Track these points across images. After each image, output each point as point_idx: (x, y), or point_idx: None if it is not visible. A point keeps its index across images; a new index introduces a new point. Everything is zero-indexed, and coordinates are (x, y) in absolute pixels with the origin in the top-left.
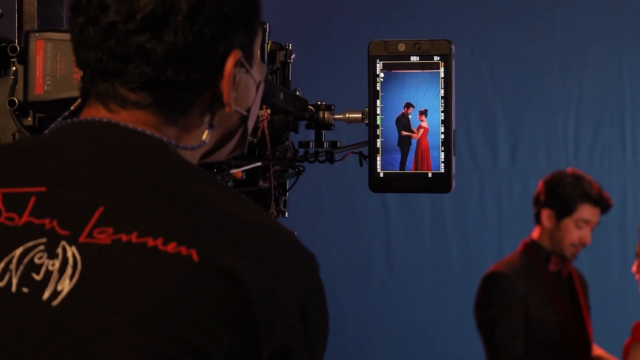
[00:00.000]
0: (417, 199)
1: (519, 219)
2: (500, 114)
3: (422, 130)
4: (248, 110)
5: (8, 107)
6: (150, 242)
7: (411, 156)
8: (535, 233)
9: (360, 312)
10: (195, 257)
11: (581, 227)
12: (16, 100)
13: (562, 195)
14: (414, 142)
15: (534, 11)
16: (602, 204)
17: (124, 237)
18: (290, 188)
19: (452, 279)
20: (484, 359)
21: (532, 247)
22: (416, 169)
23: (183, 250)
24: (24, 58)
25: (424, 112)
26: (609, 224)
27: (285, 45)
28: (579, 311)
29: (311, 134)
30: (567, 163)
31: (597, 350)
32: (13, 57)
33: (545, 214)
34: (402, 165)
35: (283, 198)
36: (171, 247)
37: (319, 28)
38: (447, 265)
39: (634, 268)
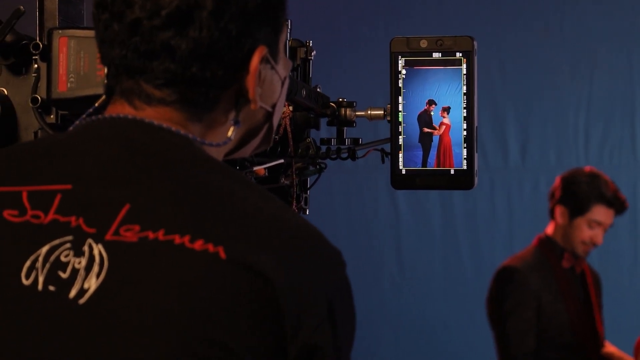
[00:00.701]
0: (427, 198)
1: (529, 218)
2: (511, 113)
3: (444, 127)
4: (273, 107)
5: (31, 104)
6: (177, 239)
7: (433, 153)
8: (550, 228)
9: (370, 312)
10: (222, 255)
11: (593, 227)
12: (39, 98)
13: (577, 193)
14: (435, 138)
15: (544, 10)
16: (617, 205)
17: (151, 235)
18: (312, 186)
19: (462, 279)
20: (494, 357)
21: (546, 243)
22: (438, 166)
23: (210, 247)
24: (47, 55)
25: (446, 109)
26: (620, 222)
27: (306, 42)
28: (590, 308)
29: (332, 131)
30: (578, 162)
31: (609, 347)
32: (35, 55)
33: (559, 210)
34: (424, 162)
35: (304, 195)
36: (198, 245)
37: (339, 24)
38: (458, 264)
39: None
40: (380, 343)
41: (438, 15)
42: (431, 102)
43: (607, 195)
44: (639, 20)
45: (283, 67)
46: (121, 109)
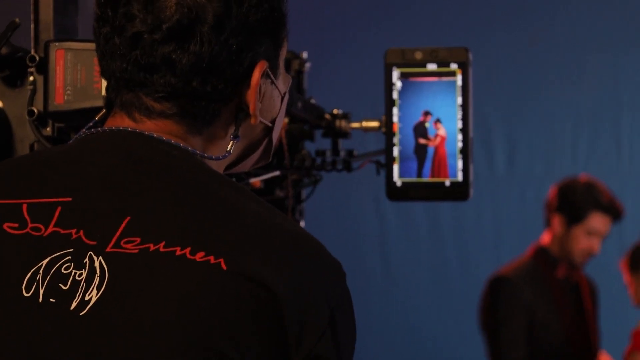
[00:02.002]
0: (413, 208)
1: (516, 227)
2: (497, 121)
3: (439, 138)
4: (273, 122)
5: (27, 117)
6: (178, 251)
7: (428, 164)
8: (546, 238)
9: (357, 320)
10: (224, 266)
11: (591, 235)
12: (35, 110)
13: (574, 202)
14: (430, 150)
15: (532, 17)
16: (614, 212)
17: (152, 247)
18: (307, 198)
19: (449, 288)
20: None
21: (540, 253)
22: (433, 177)
23: (212, 259)
24: (43, 68)
25: (438, 120)
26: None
27: (300, 54)
28: (584, 319)
29: (326, 143)
30: (564, 170)
31: (603, 357)
32: (31, 67)
33: (556, 219)
34: (419, 173)
35: (298, 207)
36: (199, 257)
37: (333, 36)
38: (445, 273)
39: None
40: (368, 351)
41: (430, 27)
42: (427, 114)
43: (604, 203)
44: (626, 28)
45: (283, 82)
46: (121, 122)
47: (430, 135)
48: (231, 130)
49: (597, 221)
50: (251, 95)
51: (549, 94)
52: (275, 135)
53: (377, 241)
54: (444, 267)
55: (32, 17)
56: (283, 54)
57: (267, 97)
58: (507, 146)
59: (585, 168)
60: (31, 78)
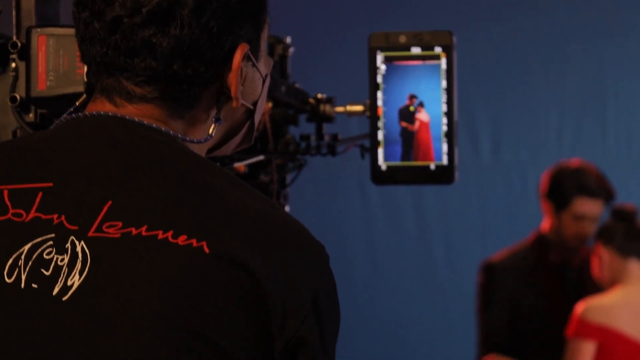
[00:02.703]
0: (398, 195)
1: (502, 215)
2: (483, 109)
3: (418, 122)
4: (254, 104)
5: (10, 103)
6: (160, 235)
7: (412, 148)
8: (543, 224)
9: (342, 309)
10: (206, 249)
11: (579, 220)
12: (18, 97)
13: (558, 188)
14: (414, 133)
15: (516, 6)
16: (603, 194)
17: (134, 231)
18: (291, 182)
19: (435, 275)
20: (466, 355)
21: (538, 239)
22: (415, 161)
23: (194, 242)
24: (25, 54)
25: (421, 104)
26: None
27: (284, 39)
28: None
29: (311, 127)
30: (550, 158)
31: None
32: (13, 54)
33: (546, 206)
34: (404, 157)
35: (283, 192)
36: (181, 240)
37: (317, 20)
38: (430, 261)
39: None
40: (353, 340)
41: (413, 11)
42: (413, 97)
43: (589, 187)
44: (609, 17)
45: (264, 65)
46: (102, 107)
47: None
48: (213, 113)
49: (582, 206)
50: (232, 78)
51: (535, 81)
52: (257, 118)
53: (361, 227)
54: (429, 255)
55: (13, 3)
56: (264, 36)
57: (249, 80)
58: (492, 133)
59: (571, 155)
60: (13, 64)
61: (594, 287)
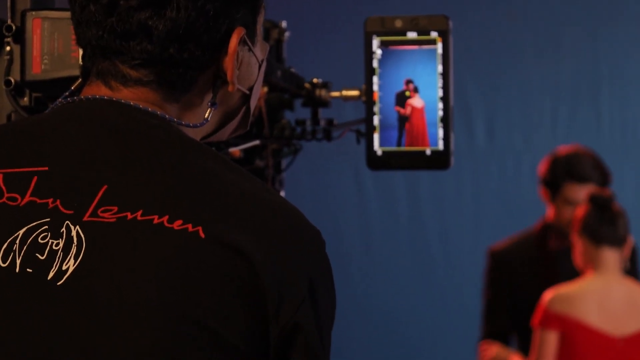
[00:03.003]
0: (393, 181)
1: (496, 200)
2: (477, 95)
3: (409, 107)
4: (250, 89)
5: (4, 87)
6: (156, 219)
7: (404, 133)
8: (547, 211)
9: (337, 296)
10: (201, 234)
11: (571, 205)
12: (12, 80)
13: (550, 174)
14: (406, 119)
15: None
16: (595, 179)
17: (129, 216)
18: (287, 167)
19: (429, 261)
20: (460, 341)
21: (542, 226)
22: (409, 146)
23: (189, 227)
24: (20, 37)
25: (415, 90)
26: None
27: (279, 23)
28: None
29: (306, 112)
30: (544, 143)
31: None
32: (8, 37)
33: (543, 193)
34: (400, 142)
35: (278, 177)
36: (177, 224)
37: (313, 5)
38: (425, 246)
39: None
40: (348, 327)
41: None
42: (409, 82)
43: (578, 172)
44: (603, 2)
45: (260, 50)
46: (97, 90)
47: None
48: (208, 97)
49: (572, 191)
50: (229, 62)
51: (528, 66)
52: (252, 103)
53: (356, 215)
54: (424, 240)
55: None
56: (260, 20)
57: (245, 65)
58: (486, 119)
59: (565, 140)
60: (8, 48)
61: None
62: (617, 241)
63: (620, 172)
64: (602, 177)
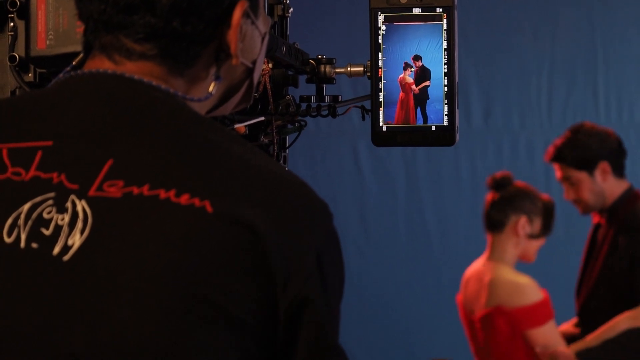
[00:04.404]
0: (390, 161)
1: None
2: (473, 75)
3: (403, 83)
4: (253, 63)
5: (9, 62)
6: (163, 194)
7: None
8: None
9: None
10: (209, 209)
11: (563, 184)
12: (17, 56)
13: None
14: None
15: None
16: (560, 158)
17: (135, 190)
18: (291, 144)
19: (426, 241)
20: (456, 322)
21: None
22: (399, 123)
23: (196, 201)
24: (25, 13)
25: (407, 66)
26: None
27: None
28: (592, 265)
29: (311, 89)
30: (541, 124)
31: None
32: (12, 13)
33: None
34: (392, 118)
35: (283, 154)
36: (184, 199)
37: None
38: (422, 227)
39: None
40: (343, 308)
41: None
42: (417, 58)
43: (556, 152)
44: None
45: (263, 23)
46: (100, 64)
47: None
48: (212, 71)
49: (556, 170)
50: (232, 35)
51: (525, 47)
52: (255, 77)
53: (353, 195)
54: (421, 221)
55: None
56: None
57: (248, 38)
58: (483, 100)
59: (561, 121)
60: (12, 24)
61: (609, 254)
62: (490, 226)
63: None
64: (569, 157)
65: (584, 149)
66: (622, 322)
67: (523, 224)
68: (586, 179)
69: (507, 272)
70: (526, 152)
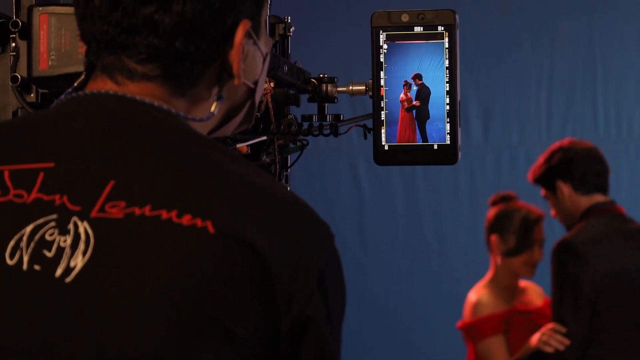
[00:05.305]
0: (389, 176)
1: (492, 194)
2: (472, 89)
3: (403, 102)
4: (255, 83)
5: (11, 83)
6: (165, 214)
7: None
8: None
9: None
10: (211, 229)
11: None
12: (19, 76)
13: None
14: (413, 112)
15: None
16: (536, 179)
17: (137, 211)
18: (293, 163)
19: (425, 256)
20: (455, 336)
21: None
22: (401, 142)
23: (198, 222)
24: (27, 33)
25: (405, 84)
26: None
27: (284, 19)
28: None
29: (312, 108)
30: (540, 138)
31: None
32: (14, 33)
33: None
34: (393, 137)
35: (285, 173)
36: (186, 220)
37: (319, 0)
38: (421, 241)
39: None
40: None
41: None
42: (417, 77)
43: (529, 172)
44: None
45: (264, 44)
46: (103, 85)
47: (413, 99)
48: (214, 91)
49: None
50: (235, 55)
51: (524, 60)
52: (257, 98)
53: (352, 209)
54: (420, 235)
55: None
56: (264, 13)
57: (250, 58)
58: (482, 114)
59: (560, 135)
60: (14, 44)
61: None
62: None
63: (617, 164)
64: (537, 179)
65: (543, 169)
66: (532, 342)
67: (496, 242)
68: (551, 197)
69: (475, 291)
70: (525, 167)
